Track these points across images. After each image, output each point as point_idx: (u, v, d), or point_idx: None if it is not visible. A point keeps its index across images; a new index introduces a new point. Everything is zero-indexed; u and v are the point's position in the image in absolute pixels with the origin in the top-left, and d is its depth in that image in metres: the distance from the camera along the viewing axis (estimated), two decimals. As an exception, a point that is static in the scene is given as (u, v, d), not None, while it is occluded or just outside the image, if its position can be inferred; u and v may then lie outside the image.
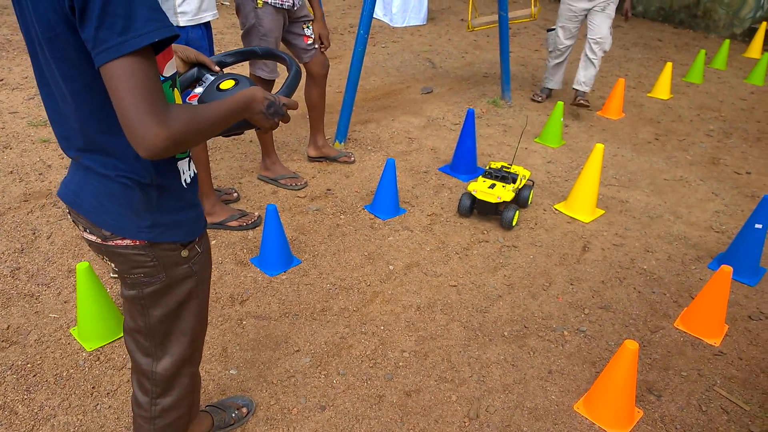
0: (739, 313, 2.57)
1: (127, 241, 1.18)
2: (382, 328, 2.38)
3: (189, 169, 1.27)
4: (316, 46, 3.27)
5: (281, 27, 3.05)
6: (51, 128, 3.85)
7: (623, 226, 3.22)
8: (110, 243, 1.19)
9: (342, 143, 4.01)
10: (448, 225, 3.16)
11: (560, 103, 4.13)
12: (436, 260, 2.85)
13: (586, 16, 4.48)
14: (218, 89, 1.30)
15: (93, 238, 1.20)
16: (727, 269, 2.28)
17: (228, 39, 6.12)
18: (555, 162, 3.97)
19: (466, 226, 3.16)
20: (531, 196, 3.34)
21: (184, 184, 1.23)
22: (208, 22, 2.61)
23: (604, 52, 4.50)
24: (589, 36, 4.51)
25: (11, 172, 3.38)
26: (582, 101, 4.61)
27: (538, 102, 4.97)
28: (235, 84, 1.30)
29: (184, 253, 1.26)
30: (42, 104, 4.27)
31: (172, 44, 1.17)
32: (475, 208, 3.20)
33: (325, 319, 2.41)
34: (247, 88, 1.21)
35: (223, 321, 2.37)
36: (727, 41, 6.35)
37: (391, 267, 2.78)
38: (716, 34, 7.66)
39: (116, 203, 1.15)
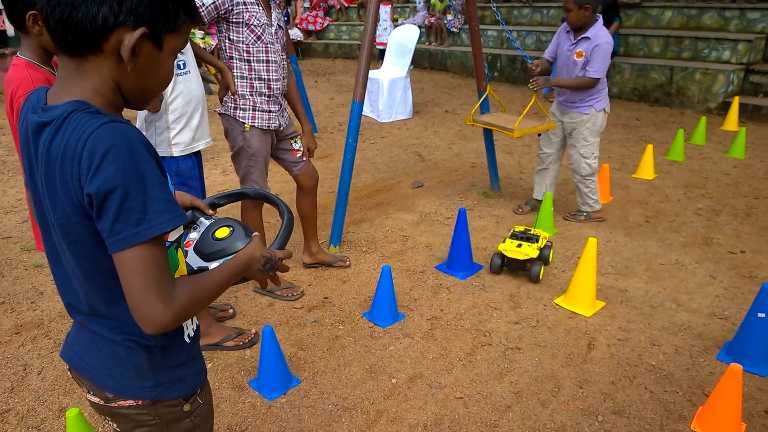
0: (755, 408, 2.48)
1: (129, 402, 1.18)
2: (389, 453, 2.27)
3: (192, 324, 1.28)
4: (305, 158, 3.35)
5: (269, 146, 3.13)
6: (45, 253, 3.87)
7: (626, 318, 3.17)
8: (113, 404, 1.19)
9: (337, 247, 4.02)
10: (449, 329, 3.10)
11: (549, 193, 4.19)
12: (440, 369, 2.78)
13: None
14: (213, 237, 1.31)
15: (96, 399, 1.21)
16: (736, 368, 2.22)
17: (221, 145, 6.27)
18: (550, 252, 3.97)
19: (467, 328, 3.10)
20: (551, 255, 3.79)
21: (187, 339, 1.24)
22: (199, 150, 2.67)
23: (583, 176, 4.21)
24: None
25: (3, 302, 3.33)
26: (570, 216, 4.47)
27: (519, 214, 4.61)
28: (231, 232, 1.30)
29: (186, 407, 1.24)
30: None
31: None
32: (504, 265, 3.66)
33: (328, 447, 2.30)
34: (244, 250, 1.22)
35: (221, 456, 2.26)
36: (704, 118, 6.56)
37: (393, 380, 2.70)
38: (692, 110, 7.94)
39: (120, 365, 1.16)
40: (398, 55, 8.07)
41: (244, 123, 2.99)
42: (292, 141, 3.28)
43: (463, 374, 2.74)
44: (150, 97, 1.14)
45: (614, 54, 8.68)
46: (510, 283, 3.56)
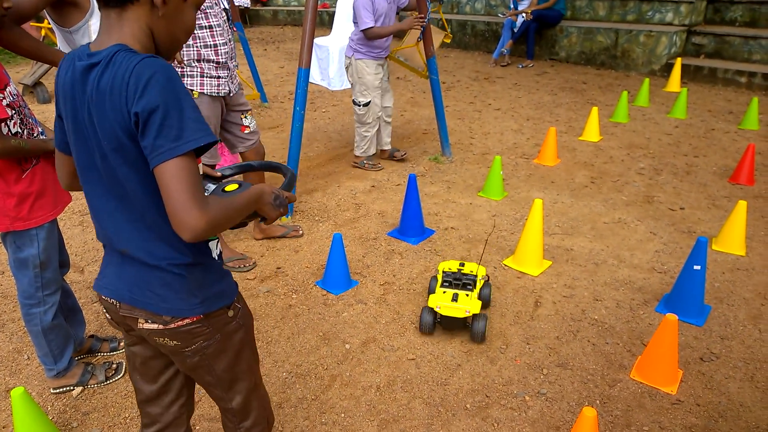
0: (691, 355, 2.63)
1: (186, 320, 1.35)
2: (343, 415, 2.31)
3: (216, 248, 1.45)
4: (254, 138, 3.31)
5: (219, 114, 3.07)
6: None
7: (571, 275, 3.28)
8: (172, 326, 1.35)
9: (289, 217, 3.99)
10: (402, 293, 3.15)
11: (498, 157, 4.25)
12: (393, 333, 2.83)
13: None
14: (224, 191, 1.44)
15: (155, 326, 1.36)
16: (672, 318, 2.34)
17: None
18: (500, 215, 4.05)
19: (419, 292, 3.16)
20: (490, 294, 2.99)
21: (216, 257, 1.43)
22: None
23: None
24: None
25: (-61, 285, 3.20)
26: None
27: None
28: (239, 186, 1.45)
29: (230, 313, 1.45)
30: None
31: None
32: (439, 323, 2.81)
33: (283, 413, 2.33)
34: (258, 185, 1.38)
35: (175, 428, 2.26)
36: (647, 80, 6.73)
37: (347, 346, 2.74)
38: (636, 72, 8.13)
39: (170, 290, 1.32)
40: (348, 20, 7.92)
41: (192, 90, 2.91)
42: (242, 116, 3.22)
43: (415, 337, 2.80)
44: (176, 45, 1.32)
45: (561, 18, 8.76)
46: (461, 247, 3.63)
